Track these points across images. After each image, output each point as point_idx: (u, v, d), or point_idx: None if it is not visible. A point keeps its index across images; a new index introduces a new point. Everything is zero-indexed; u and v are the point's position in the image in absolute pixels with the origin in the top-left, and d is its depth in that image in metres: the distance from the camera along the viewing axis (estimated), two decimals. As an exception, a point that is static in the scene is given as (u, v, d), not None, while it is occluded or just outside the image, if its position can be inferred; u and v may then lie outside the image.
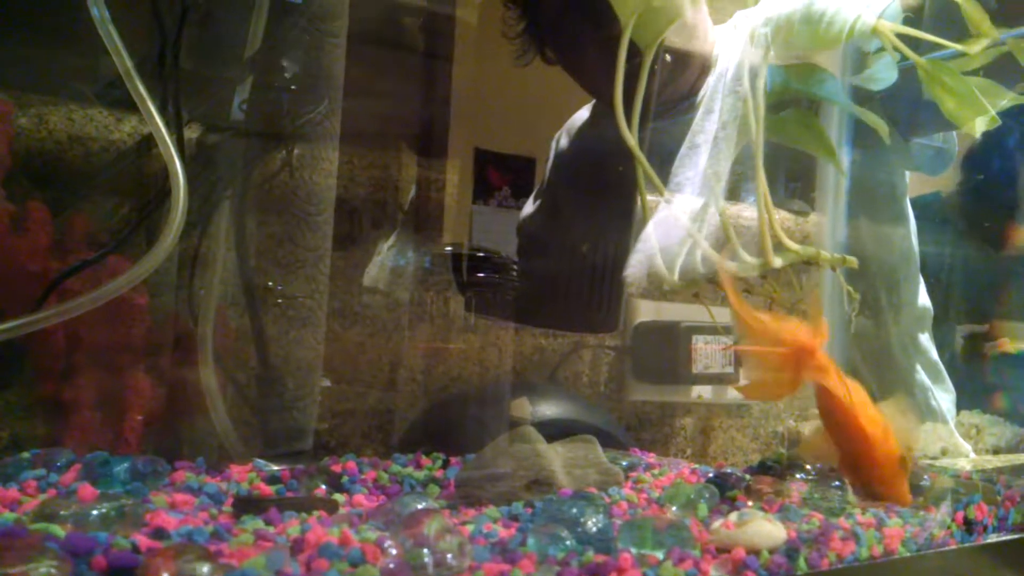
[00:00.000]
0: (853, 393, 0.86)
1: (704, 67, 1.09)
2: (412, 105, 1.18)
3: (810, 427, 1.07)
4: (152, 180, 0.94)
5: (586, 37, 1.04)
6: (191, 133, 0.95)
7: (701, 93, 1.08)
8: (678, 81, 1.07)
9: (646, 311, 1.30)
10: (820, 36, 0.98)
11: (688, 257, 0.92)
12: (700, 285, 0.95)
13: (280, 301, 0.97)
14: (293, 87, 0.98)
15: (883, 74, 1.11)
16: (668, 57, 1.02)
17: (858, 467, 0.86)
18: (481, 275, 1.10)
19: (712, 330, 1.26)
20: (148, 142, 0.94)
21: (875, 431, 0.85)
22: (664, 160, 0.96)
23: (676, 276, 0.90)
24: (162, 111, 0.84)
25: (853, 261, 0.97)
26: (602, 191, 1.16)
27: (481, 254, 1.12)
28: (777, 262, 0.91)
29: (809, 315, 0.89)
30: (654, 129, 0.98)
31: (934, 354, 1.42)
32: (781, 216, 1.45)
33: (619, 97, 0.93)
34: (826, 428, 0.89)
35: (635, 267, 0.92)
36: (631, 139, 0.94)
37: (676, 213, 0.92)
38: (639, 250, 0.93)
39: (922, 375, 1.41)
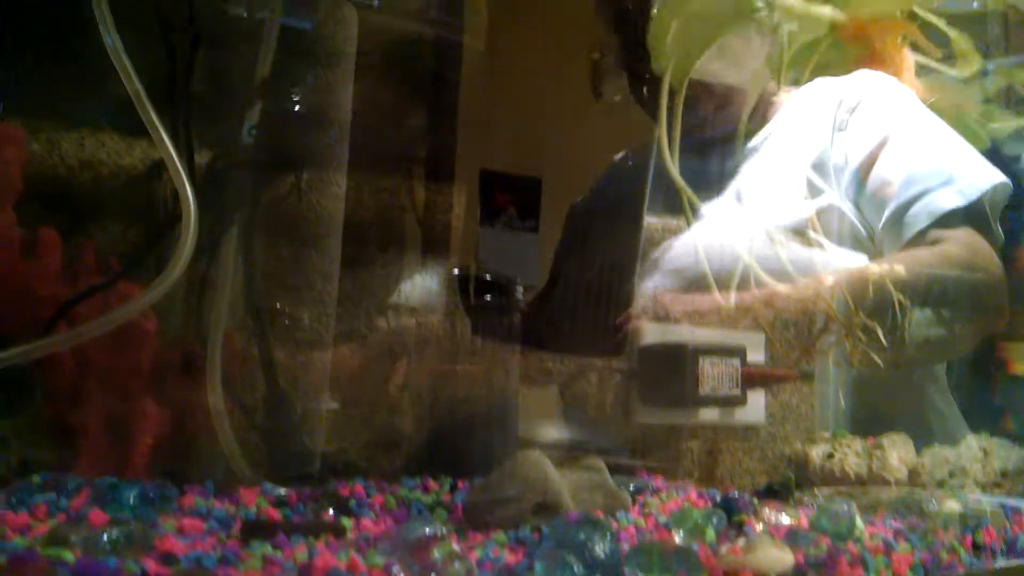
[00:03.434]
0: None
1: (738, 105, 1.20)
2: (419, 129, 1.19)
3: (818, 451, 1.07)
4: (162, 205, 0.95)
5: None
6: (201, 159, 0.96)
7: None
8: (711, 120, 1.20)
9: (652, 334, 1.30)
10: None
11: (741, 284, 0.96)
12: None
13: (288, 324, 0.97)
14: (302, 113, 0.99)
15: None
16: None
17: None
18: (488, 298, 1.10)
19: (720, 352, 1.26)
20: (158, 167, 0.95)
21: None
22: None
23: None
24: (173, 137, 0.85)
25: (901, 271, 0.99)
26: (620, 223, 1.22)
27: (488, 277, 1.12)
28: (829, 280, 0.93)
29: None
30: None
31: (943, 378, 1.42)
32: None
33: (663, 128, 1.05)
34: None
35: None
36: (675, 172, 1.08)
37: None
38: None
39: (932, 398, 1.40)
